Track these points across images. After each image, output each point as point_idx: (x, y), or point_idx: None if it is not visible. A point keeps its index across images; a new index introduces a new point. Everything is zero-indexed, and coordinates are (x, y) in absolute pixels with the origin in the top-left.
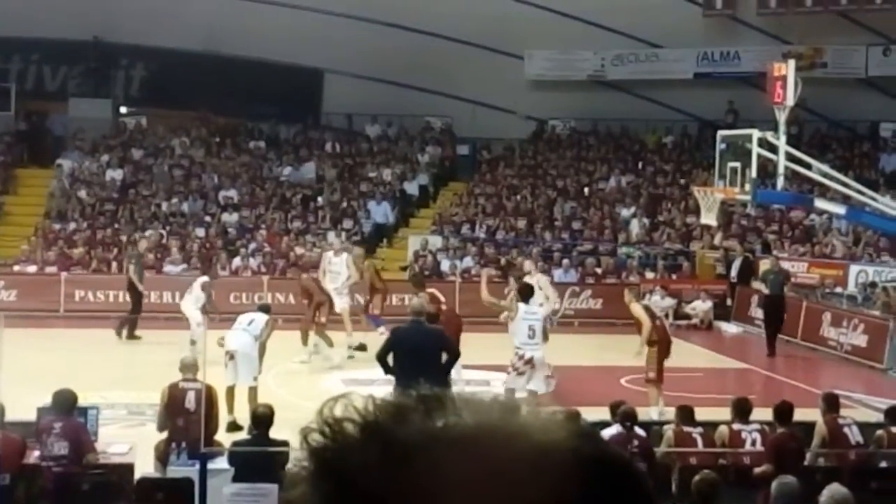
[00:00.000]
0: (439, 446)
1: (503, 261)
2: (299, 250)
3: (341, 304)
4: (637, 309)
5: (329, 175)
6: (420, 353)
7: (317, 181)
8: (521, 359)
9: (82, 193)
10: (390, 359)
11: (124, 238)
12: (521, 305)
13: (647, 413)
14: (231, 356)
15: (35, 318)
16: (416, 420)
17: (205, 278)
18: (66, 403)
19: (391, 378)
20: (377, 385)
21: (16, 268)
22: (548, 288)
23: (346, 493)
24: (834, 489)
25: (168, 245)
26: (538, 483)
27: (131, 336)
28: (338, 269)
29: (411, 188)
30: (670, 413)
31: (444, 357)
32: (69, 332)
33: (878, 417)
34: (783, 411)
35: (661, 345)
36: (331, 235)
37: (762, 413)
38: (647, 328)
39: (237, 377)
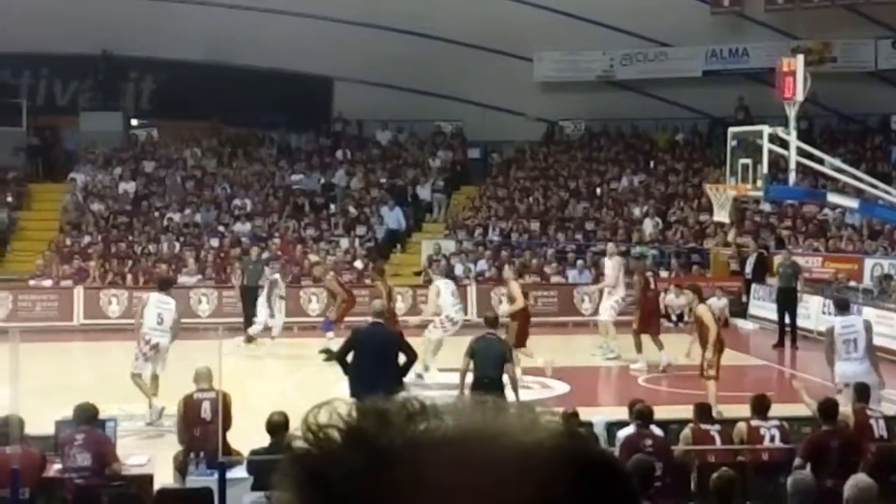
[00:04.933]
0: (422, 450)
1: (517, 263)
2: (313, 258)
3: (606, 309)
4: (514, 287)
5: (342, 182)
6: (378, 354)
7: (331, 188)
8: (148, 344)
9: (95, 207)
10: (349, 359)
11: (138, 250)
12: (155, 295)
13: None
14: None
15: (51, 333)
16: (398, 425)
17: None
18: (86, 415)
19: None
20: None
21: (31, 282)
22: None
23: (330, 500)
24: (859, 479)
25: (183, 256)
26: (522, 484)
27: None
28: (608, 272)
29: (423, 193)
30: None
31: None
32: (85, 346)
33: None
34: (827, 408)
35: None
36: (344, 242)
37: (781, 409)
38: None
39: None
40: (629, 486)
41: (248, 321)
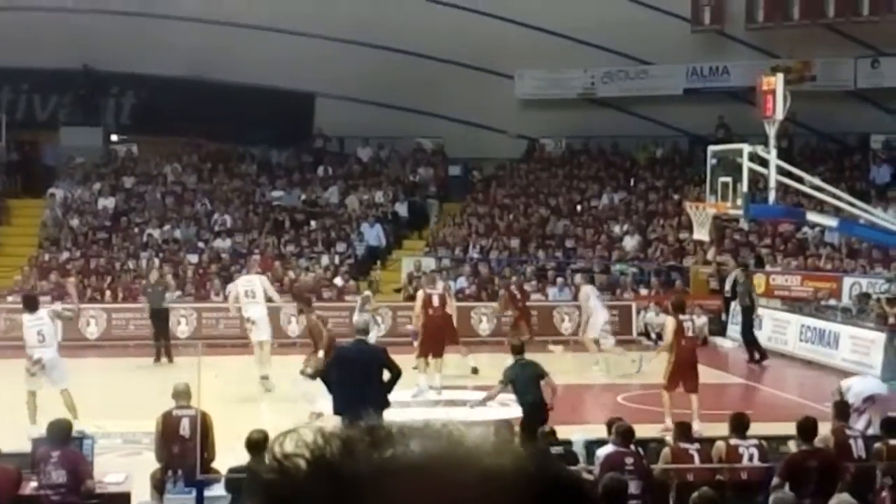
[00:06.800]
0: (387, 477)
1: (496, 280)
2: (292, 274)
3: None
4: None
5: (325, 198)
6: (362, 371)
7: (312, 205)
8: (31, 360)
9: (75, 222)
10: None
11: (118, 266)
12: (25, 317)
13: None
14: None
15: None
16: (363, 452)
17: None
18: (61, 432)
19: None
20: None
21: (9, 298)
22: None
23: None
24: (841, 498)
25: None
26: None
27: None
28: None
29: (403, 210)
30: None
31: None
32: (64, 363)
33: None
34: (806, 428)
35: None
36: (324, 258)
37: (759, 428)
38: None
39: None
40: None
41: (157, 340)
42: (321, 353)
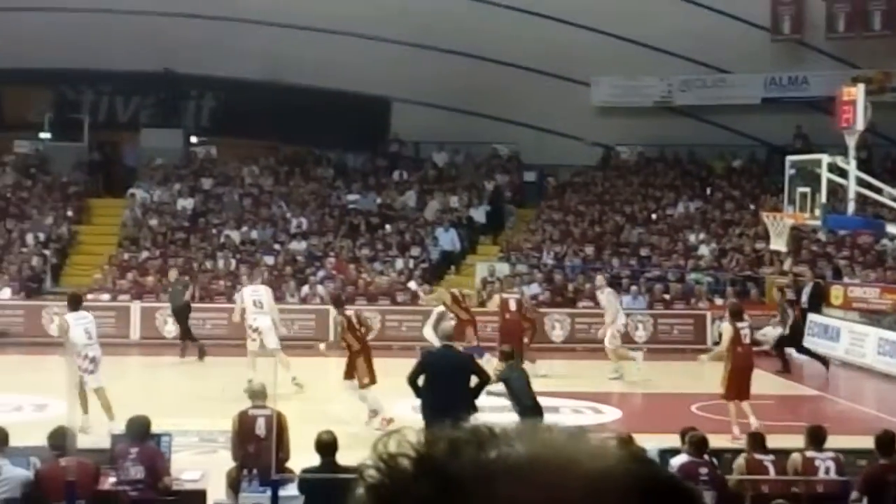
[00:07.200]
0: (493, 478)
1: (571, 287)
2: (366, 277)
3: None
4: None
5: (399, 202)
6: (449, 377)
7: (388, 208)
8: (86, 358)
9: (154, 222)
10: (421, 382)
11: (195, 266)
12: (71, 315)
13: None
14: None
15: (108, 346)
16: (469, 452)
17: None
18: (140, 429)
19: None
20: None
21: (89, 296)
22: None
23: None
24: None
25: (238, 273)
26: None
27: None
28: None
29: (478, 215)
30: None
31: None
32: (142, 360)
33: None
34: (885, 442)
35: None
36: (399, 262)
37: (836, 441)
38: None
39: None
40: None
41: (183, 339)
42: (322, 346)
